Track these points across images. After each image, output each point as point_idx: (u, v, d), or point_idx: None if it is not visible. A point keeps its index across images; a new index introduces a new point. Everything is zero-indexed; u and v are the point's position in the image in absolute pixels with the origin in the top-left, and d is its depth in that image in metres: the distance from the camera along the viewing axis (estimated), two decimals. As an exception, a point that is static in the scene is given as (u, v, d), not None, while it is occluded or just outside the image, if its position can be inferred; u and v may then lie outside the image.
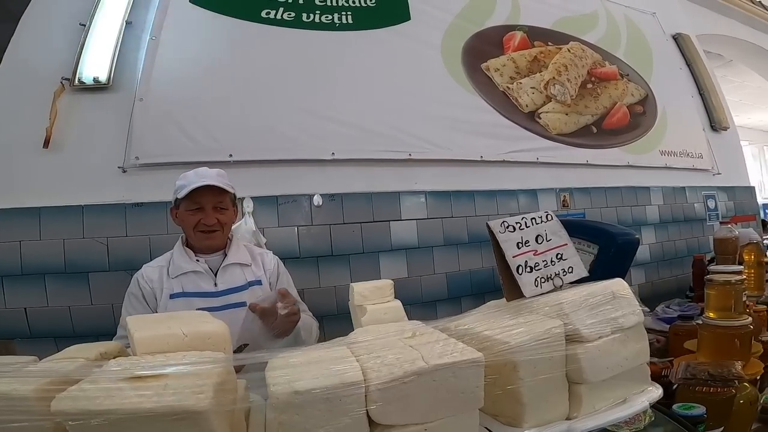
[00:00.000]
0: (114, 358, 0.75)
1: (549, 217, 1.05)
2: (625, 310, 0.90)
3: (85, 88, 2.07)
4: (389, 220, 2.43)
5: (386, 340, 0.75)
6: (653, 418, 0.98)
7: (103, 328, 1.89)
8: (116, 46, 2.12)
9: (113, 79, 2.10)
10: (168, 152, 2.10)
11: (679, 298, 2.47)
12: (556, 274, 0.99)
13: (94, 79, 2.06)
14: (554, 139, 3.03)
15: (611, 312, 0.89)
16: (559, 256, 1.01)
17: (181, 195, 1.38)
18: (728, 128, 4.09)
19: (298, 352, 0.72)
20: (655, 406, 0.98)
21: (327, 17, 2.57)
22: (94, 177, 2.04)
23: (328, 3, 2.60)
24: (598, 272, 1.05)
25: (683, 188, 3.64)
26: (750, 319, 1.35)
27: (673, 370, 1.23)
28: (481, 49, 3.00)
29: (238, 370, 0.75)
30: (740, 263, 2.04)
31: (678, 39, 4.06)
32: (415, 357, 0.68)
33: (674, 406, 1.05)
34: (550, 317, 0.86)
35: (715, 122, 3.99)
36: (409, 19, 2.77)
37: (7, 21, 2.10)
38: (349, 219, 2.34)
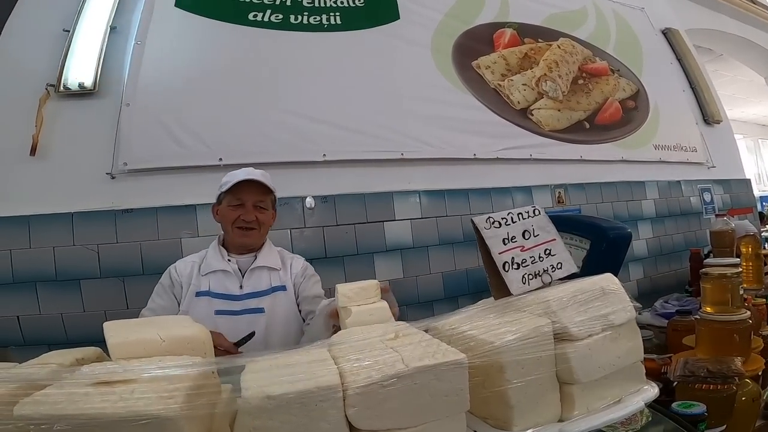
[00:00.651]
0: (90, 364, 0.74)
1: (536, 212, 1.02)
2: (615, 306, 0.87)
3: (70, 94, 2.05)
4: (383, 221, 2.41)
5: (366, 342, 0.73)
6: (651, 418, 0.95)
7: (96, 335, 1.84)
8: (101, 52, 2.10)
9: (99, 84, 2.07)
10: (156, 157, 2.08)
11: (677, 293, 2.46)
12: (544, 271, 0.96)
13: (80, 84, 2.04)
14: (547, 136, 3.02)
15: (601, 309, 0.86)
16: (547, 251, 0.99)
17: (225, 188, 1.42)
18: (721, 122, 4.09)
19: (278, 354, 0.70)
20: (654, 404, 0.95)
21: (315, 18, 2.55)
22: (82, 184, 2.02)
23: (316, 4, 2.59)
24: (590, 268, 1.03)
25: (678, 182, 3.63)
26: (748, 313, 1.32)
27: (672, 367, 1.20)
28: (472, 47, 3.00)
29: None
30: (738, 256, 2.02)
31: (667, 34, 4.08)
32: (395, 359, 0.66)
33: (673, 405, 1.02)
34: (538, 315, 0.83)
35: (708, 116, 3.99)
36: (398, 18, 2.76)
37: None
38: (343, 220, 2.32)
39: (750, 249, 2.02)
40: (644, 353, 0.93)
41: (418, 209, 2.51)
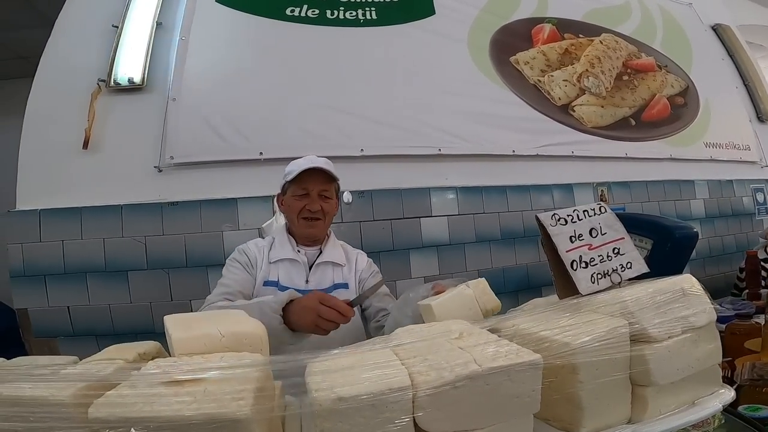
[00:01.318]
0: (152, 359, 0.75)
1: (602, 210, 0.97)
2: (696, 308, 0.83)
3: (120, 89, 2.13)
4: (419, 217, 2.39)
5: (433, 341, 0.70)
6: (723, 420, 0.90)
7: (142, 327, 1.96)
8: (148, 47, 2.16)
9: (147, 79, 2.14)
10: (200, 151, 2.13)
11: (731, 296, 2.33)
12: (613, 270, 0.92)
13: (129, 79, 2.12)
14: (590, 132, 2.92)
15: (681, 310, 0.81)
16: (615, 250, 0.94)
17: (289, 178, 1.39)
18: (776, 119, 3.85)
19: (338, 353, 0.68)
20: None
21: (351, 13, 2.56)
22: (131, 176, 2.09)
23: (352, -1, 2.60)
24: (652, 269, 0.98)
25: (730, 181, 3.44)
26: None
27: (738, 370, 1.16)
28: (509, 42, 2.94)
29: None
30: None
31: (717, 30, 3.89)
32: (467, 359, 0.63)
33: (740, 408, 0.98)
34: (613, 316, 0.80)
35: (762, 113, 3.76)
36: (433, 13, 2.73)
37: (43, 26, 2.17)
38: (379, 216, 2.31)
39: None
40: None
41: (455, 206, 2.48)
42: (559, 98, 2.92)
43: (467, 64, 2.73)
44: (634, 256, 0.95)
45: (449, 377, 0.59)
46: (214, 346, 0.69)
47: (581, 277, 0.89)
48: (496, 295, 1.05)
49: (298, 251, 1.42)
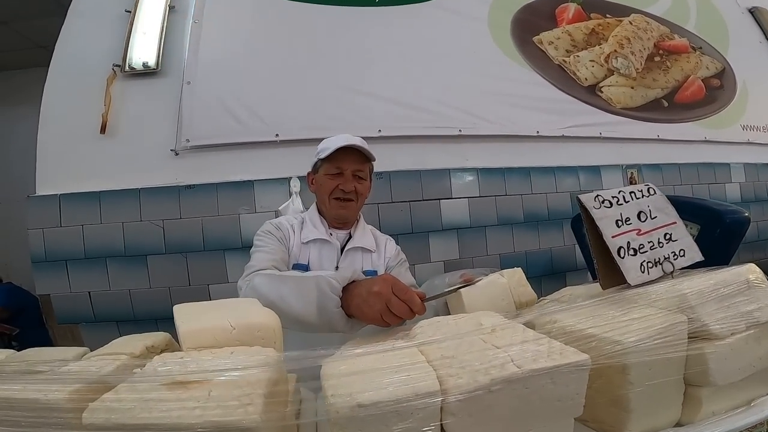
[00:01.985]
0: (161, 352, 0.71)
1: (651, 191, 0.89)
2: (761, 302, 0.74)
3: (135, 74, 2.12)
4: (439, 199, 2.32)
5: (463, 339, 0.63)
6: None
7: (161, 312, 1.92)
8: (162, 31, 2.15)
9: (162, 63, 2.13)
10: (216, 134, 2.11)
11: None
12: (665, 258, 0.83)
13: (144, 64, 2.11)
14: (619, 114, 2.81)
15: (746, 304, 0.73)
16: (667, 236, 0.86)
17: (323, 155, 1.28)
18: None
19: (358, 351, 0.62)
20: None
21: (367, -8, 2.50)
22: (148, 160, 2.08)
23: (367, -22, 2.53)
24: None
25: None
26: None
27: None
28: (532, 21, 2.84)
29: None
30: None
31: (755, 12, 3.73)
32: (504, 360, 0.56)
33: None
34: (669, 311, 0.71)
35: (802, 96, 3.56)
36: (451, -8, 2.65)
37: (61, 15, 2.17)
38: (398, 197, 2.25)
39: None
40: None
41: (476, 187, 2.40)
42: (586, 79, 2.81)
43: (488, 44, 2.64)
44: (687, 242, 0.86)
45: (484, 381, 0.53)
46: (225, 339, 0.64)
47: (629, 266, 0.81)
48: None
49: (330, 234, 1.33)
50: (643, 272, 0.81)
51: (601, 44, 2.95)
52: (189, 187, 2.07)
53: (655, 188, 0.90)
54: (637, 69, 2.99)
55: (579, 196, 0.86)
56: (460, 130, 2.39)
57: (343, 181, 1.28)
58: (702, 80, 3.23)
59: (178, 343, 0.67)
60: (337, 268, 1.29)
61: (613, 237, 0.83)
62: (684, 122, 3.03)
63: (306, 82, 2.25)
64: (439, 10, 2.59)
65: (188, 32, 2.20)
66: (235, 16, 2.29)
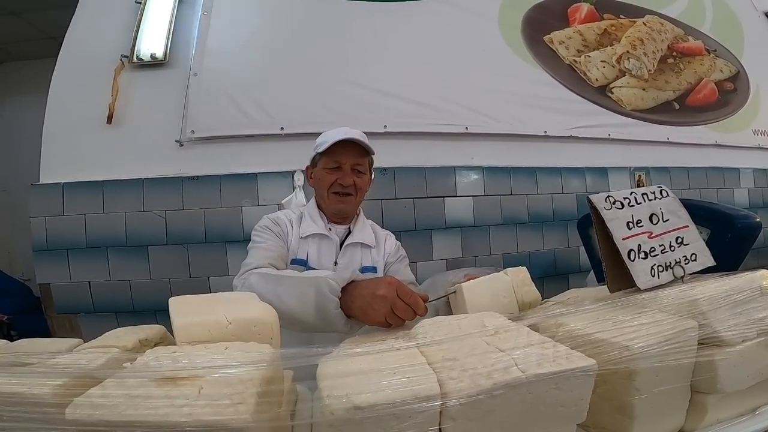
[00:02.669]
0: (154, 346, 0.70)
1: (664, 193, 0.87)
2: None
3: (143, 65, 2.12)
4: (444, 197, 2.30)
5: (465, 341, 0.62)
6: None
7: (160, 304, 1.91)
8: (171, 22, 2.15)
9: (169, 55, 2.12)
10: (221, 126, 2.10)
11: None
12: (676, 262, 0.82)
13: (152, 55, 2.10)
14: (629, 115, 2.78)
15: (758, 311, 0.72)
16: (679, 240, 0.84)
17: (321, 149, 1.26)
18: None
19: (357, 350, 0.60)
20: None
21: (376, -13, 2.47)
22: (153, 151, 2.08)
23: (377, -28, 2.51)
24: None
25: (779, 170, 3.20)
26: None
27: None
28: (544, 20, 2.81)
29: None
30: None
31: (771, 16, 3.67)
32: (507, 364, 0.55)
33: None
34: (680, 316, 0.70)
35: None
36: (460, -12, 2.62)
37: (73, 6, 2.17)
38: (402, 194, 2.23)
39: None
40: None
41: (481, 186, 2.37)
42: (596, 79, 2.78)
43: (497, 42, 2.61)
44: (699, 247, 0.85)
45: (486, 385, 0.51)
46: (221, 334, 0.62)
47: (639, 270, 0.79)
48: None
49: (329, 228, 1.31)
50: (653, 276, 0.79)
51: (613, 45, 2.92)
52: (193, 178, 2.06)
53: (668, 190, 0.88)
54: (650, 70, 2.95)
55: (590, 196, 0.85)
56: (466, 128, 2.36)
57: (342, 175, 1.26)
58: (715, 83, 3.18)
59: (173, 336, 0.65)
60: (336, 263, 1.27)
61: (623, 239, 0.81)
62: (695, 125, 2.99)
63: (312, 76, 2.23)
64: (449, 7, 2.56)
65: (197, 24, 2.19)
66: (244, 9, 2.28)
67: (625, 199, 0.84)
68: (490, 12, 2.66)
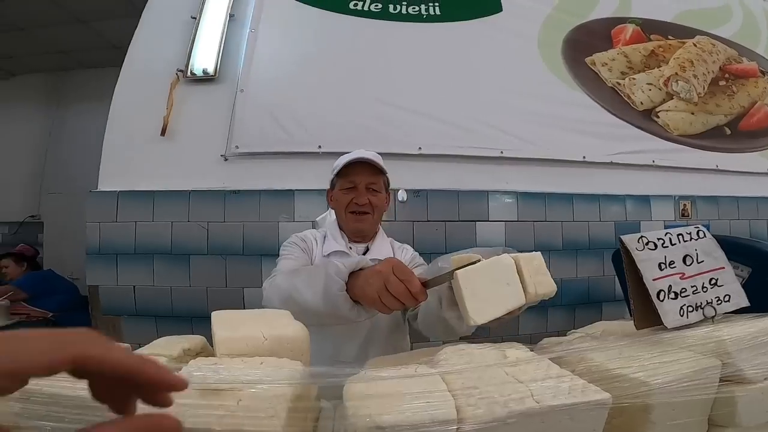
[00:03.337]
0: (196, 355, 0.74)
1: (701, 234, 0.85)
2: None
3: (196, 80, 2.24)
4: (475, 221, 2.28)
5: (486, 370, 0.64)
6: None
7: (197, 311, 2.04)
8: (221, 39, 2.26)
9: (219, 70, 2.24)
10: (263, 142, 2.20)
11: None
12: (707, 303, 0.80)
13: (204, 70, 2.23)
14: (675, 141, 2.67)
15: None
16: (713, 281, 0.82)
17: (335, 171, 1.35)
18: None
19: (383, 374, 0.64)
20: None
21: (414, 8, 2.52)
22: (199, 164, 2.20)
23: (415, -6, 2.55)
24: (749, 302, 0.84)
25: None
26: None
27: None
28: (586, 42, 2.76)
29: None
30: None
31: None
32: (524, 394, 0.56)
33: None
34: (704, 355, 0.70)
35: None
36: (500, 10, 2.63)
37: (136, 17, 2.34)
38: (434, 216, 2.24)
39: None
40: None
41: (515, 211, 2.34)
42: (641, 102, 2.69)
43: (536, 64, 2.59)
44: (734, 288, 0.82)
45: (501, 413, 0.53)
46: (256, 349, 0.67)
47: (668, 309, 0.78)
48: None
49: (350, 247, 1.37)
50: (682, 316, 0.78)
51: (660, 66, 2.82)
52: (234, 192, 2.16)
53: (705, 231, 0.86)
54: (699, 93, 2.82)
55: (622, 236, 0.83)
56: (501, 152, 2.35)
57: (357, 194, 1.31)
58: (770, 107, 2.99)
59: (211, 346, 0.71)
60: None
61: (654, 280, 0.79)
62: (747, 152, 2.83)
63: (351, 96, 2.30)
64: (487, 28, 2.57)
65: (245, 41, 2.30)
66: (288, 27, 2.37)
67: (659, 239, 0.82)
68: (530, 33, 2.64)
